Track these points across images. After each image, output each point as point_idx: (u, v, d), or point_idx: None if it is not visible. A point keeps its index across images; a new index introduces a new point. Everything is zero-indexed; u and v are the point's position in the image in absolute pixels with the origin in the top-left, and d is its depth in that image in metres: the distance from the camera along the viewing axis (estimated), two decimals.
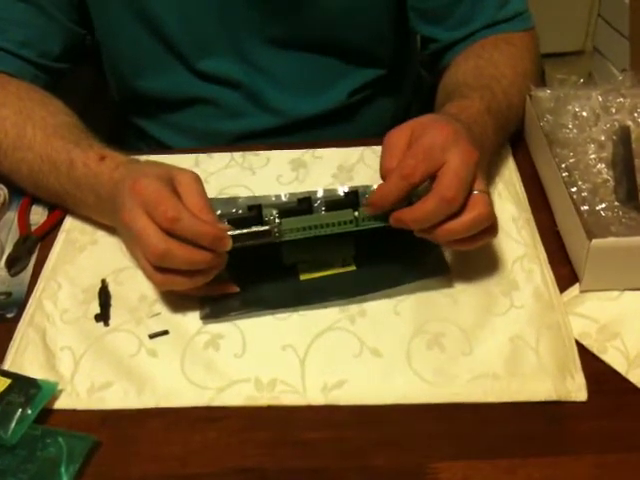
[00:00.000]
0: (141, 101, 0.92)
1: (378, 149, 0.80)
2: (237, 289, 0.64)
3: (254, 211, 0.65)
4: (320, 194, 0.74)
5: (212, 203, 0.63)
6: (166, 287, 0.63)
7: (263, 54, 0.85)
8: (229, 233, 0.59)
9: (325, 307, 0.64)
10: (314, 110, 0.90)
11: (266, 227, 0.61)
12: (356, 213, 0.62)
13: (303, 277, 0.67)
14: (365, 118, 0.95)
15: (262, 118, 0.90)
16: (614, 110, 0.76)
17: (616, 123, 0.75)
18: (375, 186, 0.74)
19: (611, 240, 0.61)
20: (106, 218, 0.69)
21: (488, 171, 0.73)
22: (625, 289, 0.63)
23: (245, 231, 0.61)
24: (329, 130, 0.92)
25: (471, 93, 0.73)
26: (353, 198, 0.65)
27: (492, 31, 0.84)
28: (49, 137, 0.71)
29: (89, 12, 0.85)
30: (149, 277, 0.61)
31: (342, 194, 0.72)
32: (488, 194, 0.60)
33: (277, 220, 0.62)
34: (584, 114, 0.76)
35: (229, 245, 0.59)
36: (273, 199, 0.74)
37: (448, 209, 0.57)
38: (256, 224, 0.62)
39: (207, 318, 0.63)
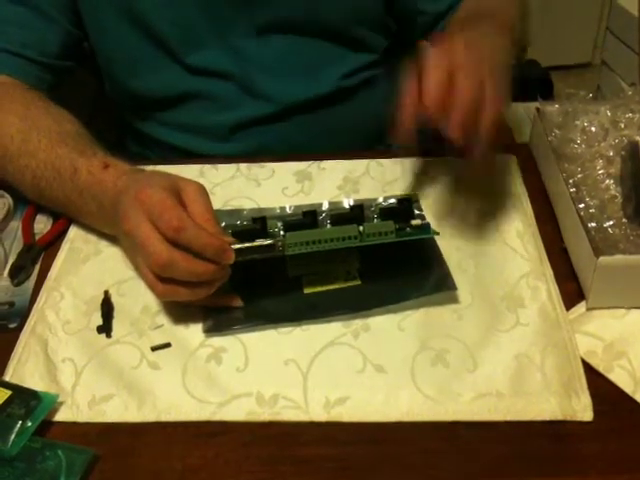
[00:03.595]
0: (136, 101, 0.92)
1: (383, 161, 0.81)
2: (241, 302, 0.64)
3: (259, 223, 0.65)
4: (325, 207, 0.74)
5: (217, 214, 0.63)
6: (167, 298, 0.62)
7: (251, 41, 0.85)
8: (233, 247, 0.59)
9: (329, 321, 0.63)
10: (306, 95, 0.89)
11: (270, 241, 0.60)
12: (361, 228, 0.62)
13: (307, 290, 0.66)
14: (360, 103, 0.94)
15: (255, 106, 0.89)
16: (623, 125, 0.75)
17: (625, 138, 0.74)
18: (381, 199, 0.74)
19: (619, 258, 0.60)
20: (108, 227, 0.69)
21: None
22: (632, 307, 0.63)
23: (249, 245, 0.60)
24: (323, 115, 0.91)
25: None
26: (358, 212, 0.65)
27: None
28: (53, 145, 0.71)
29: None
30: (151, 287, 0.61)
31: (348, 207, 0.72)
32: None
33: (282, 233, 0.61)
34: (592, 129, 0.75)
35: (232, 258, 0.59)
36: (278, 211, 0.74)
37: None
38: (261, 237, 0.61)
39: (210, 331, 0.63)
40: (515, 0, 0.83)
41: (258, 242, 0.61)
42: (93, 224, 0.72)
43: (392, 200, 0.72)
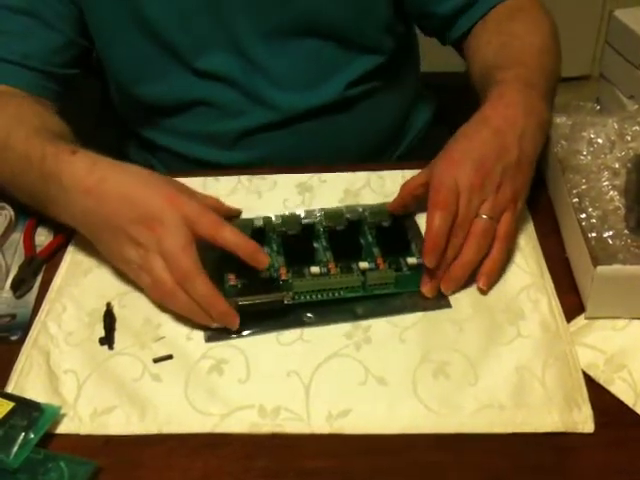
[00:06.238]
0: (142, 109, 0.93)
1: (384, 174, 0.81)
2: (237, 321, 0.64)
3: (257, 235, 0.69)
4: (320, 213, 0.75)
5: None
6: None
7: (259, 47, 0.86)
8: (242, 302, 0.63)
9: (333, 325, 0.64)
10: (311, 103, 0.90)
11: (281, 294, 0.64)
12: (363, 266, 0.67)
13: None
14: (364, 113, 0.94)
15: (261, 115, 0.90)
16: (630, 138, 0.75)
17: (631, 151, 0.74)
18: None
19: (617, 267, 0.61)
20: (72, 215, 0.68)
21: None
22: (632, 318, 0.63)
23: (259, 301, 0.64)
24: (328, 124, 0.92)
25: (505, 74, 0.74)
26: (356, 227, 0.70)
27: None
28: (29, 136, 0.71)
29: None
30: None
31: (346, 220, 0.73)
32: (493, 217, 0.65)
33: (280, 251, 0.67)
34: (599, 141, 0.75)
35: (237, 324, 0.63)
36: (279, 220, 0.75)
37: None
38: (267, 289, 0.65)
39: (212, 339, 0.63)
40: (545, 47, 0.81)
41: (266, 298, 0.64)
42: (57, 214, 0.70)
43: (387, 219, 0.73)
